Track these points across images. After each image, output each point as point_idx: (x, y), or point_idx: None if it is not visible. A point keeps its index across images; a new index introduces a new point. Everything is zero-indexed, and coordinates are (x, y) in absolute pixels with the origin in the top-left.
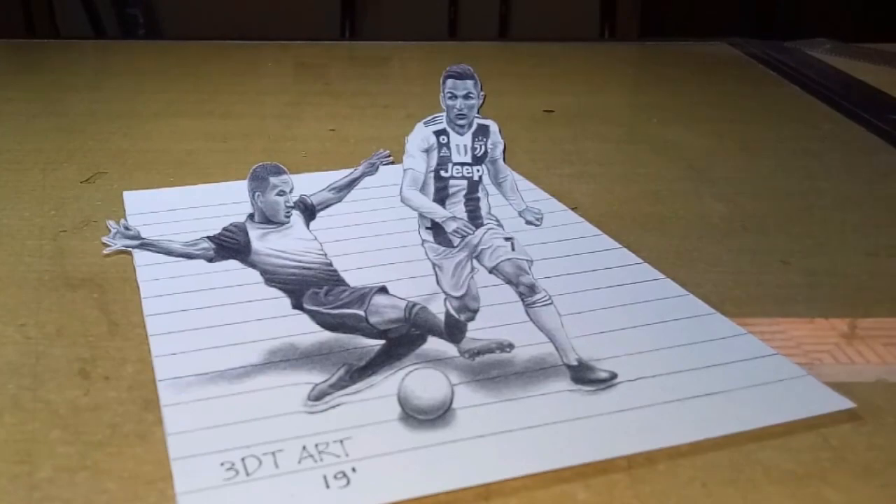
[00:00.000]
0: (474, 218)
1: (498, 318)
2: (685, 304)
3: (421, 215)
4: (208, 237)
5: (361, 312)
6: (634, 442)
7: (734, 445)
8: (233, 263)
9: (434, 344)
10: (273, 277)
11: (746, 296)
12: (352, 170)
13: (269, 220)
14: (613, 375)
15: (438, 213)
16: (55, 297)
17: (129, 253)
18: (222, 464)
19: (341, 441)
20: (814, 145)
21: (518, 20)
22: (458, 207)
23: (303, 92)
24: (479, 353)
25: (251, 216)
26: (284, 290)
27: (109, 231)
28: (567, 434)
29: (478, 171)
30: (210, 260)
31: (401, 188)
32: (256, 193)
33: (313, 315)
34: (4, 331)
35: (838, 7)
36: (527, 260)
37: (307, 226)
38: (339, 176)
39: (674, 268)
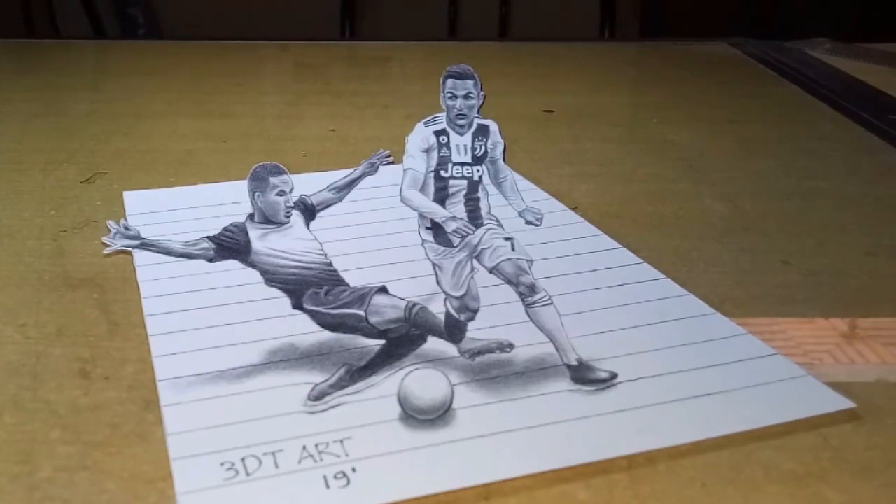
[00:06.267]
0: (474, 218)
1: (498, 318)
2: (685, 304)
3: (421, 215)
4: (208, 237)
5: (361, 312)
6: (634, 442)
7: (734, 445)
8: (233, 263)
9: (434, 344)
10: (273, 277)
11: (746, 296)
12: (352, 170)
13: (269, 220)
14: (613, 375)
15: (438, 213)
16: (55, 297)
17: (129, 253)
18: (222, 464)
19: (341, 441)
20: (814, 145)
21: (518, 20)
22: (458, 207)
23: (303, 92)
24: (479, 353)
25: (251, 216)
26: (284, 290)
27: (109, 231)
28: (567, 434)
29: (478, 171)
30: (210, 260)
31: (401, 188)
32: (256, 193)
33: (313, 315)
34: (4, 331)
35: (838, 7)
36: (527, 260)
37: (307, 226)
38: (339, 176)
39: (674, 268)
